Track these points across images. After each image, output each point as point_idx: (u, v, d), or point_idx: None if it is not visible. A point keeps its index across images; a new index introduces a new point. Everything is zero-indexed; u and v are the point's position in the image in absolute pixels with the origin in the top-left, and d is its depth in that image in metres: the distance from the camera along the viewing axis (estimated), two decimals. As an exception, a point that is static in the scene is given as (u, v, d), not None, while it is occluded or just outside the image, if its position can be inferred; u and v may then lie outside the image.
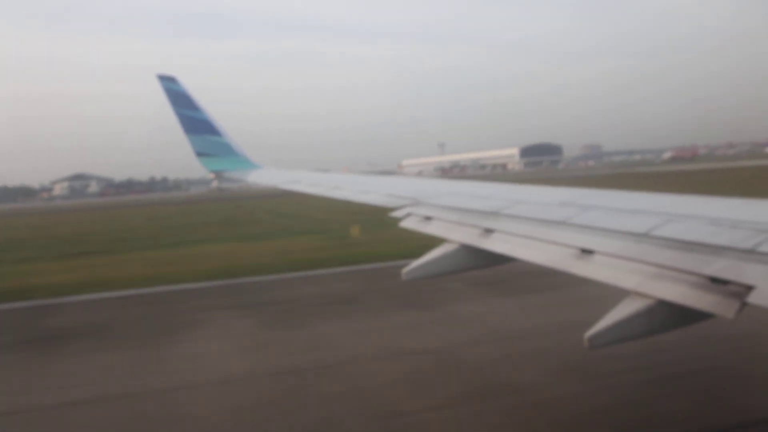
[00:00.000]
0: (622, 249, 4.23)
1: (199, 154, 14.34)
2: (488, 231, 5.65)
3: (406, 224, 7.05)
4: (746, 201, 4.73)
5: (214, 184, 16.87)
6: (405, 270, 5.78)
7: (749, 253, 3.47)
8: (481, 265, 5.80)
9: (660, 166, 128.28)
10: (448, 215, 6.62)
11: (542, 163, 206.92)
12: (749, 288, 3.21)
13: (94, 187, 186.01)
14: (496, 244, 5.40)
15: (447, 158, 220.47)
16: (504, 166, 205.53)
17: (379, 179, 11.40)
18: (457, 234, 5.97)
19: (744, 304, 3.19)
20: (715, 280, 3.43)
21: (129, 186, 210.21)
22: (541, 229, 5.19)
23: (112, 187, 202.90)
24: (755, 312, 3.29)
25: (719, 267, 3.49)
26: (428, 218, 6.77)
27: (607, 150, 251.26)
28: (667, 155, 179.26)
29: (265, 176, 13.79)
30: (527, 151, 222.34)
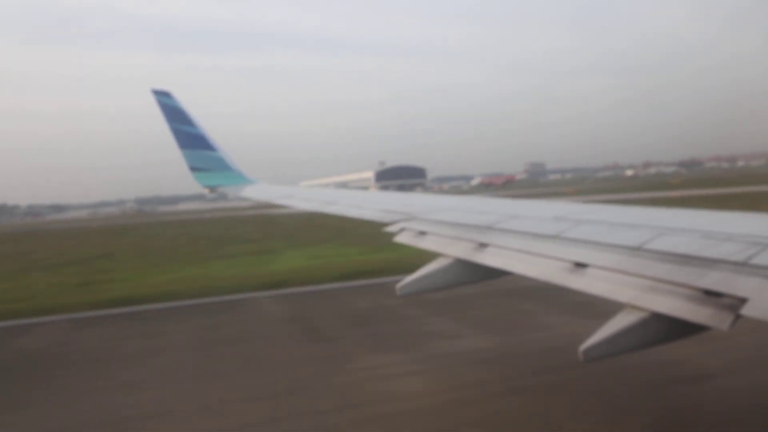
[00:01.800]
0: (616, 262, 4.24)
1: (193, 169, 14.33)
2: (482, 245, 5.66)
3: (400, 239, 7.05)
4: (738, 214, 4.76)
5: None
6: (399, 285, 5.77)
7: (742, 266, 3.48)
8: (475, 279, 5.79)
9: (466, 192, 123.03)
10: (442, 230, 6.62)
11: (404, 187, 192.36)
12: (743, 300, 3.21)
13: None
14: (490, 258, 5.41)
15: (318, 181, 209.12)
16: (367, 189, 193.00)
17: (372, 194, 11.43)
18: (451, 248, 5.97)
19: (738, 317, 3.20)
20: (709, 293, 3.44)
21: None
22: (535, 243, 5.20)
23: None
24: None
25: (713, 280, 3.50)
26: (422, 233, 6.78)
27: (552, 168, 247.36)
28: (475, 181, 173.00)
29: (259, 191, 13.79)
30: (383, 175, 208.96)
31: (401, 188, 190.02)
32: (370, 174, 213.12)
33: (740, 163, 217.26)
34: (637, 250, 4.26)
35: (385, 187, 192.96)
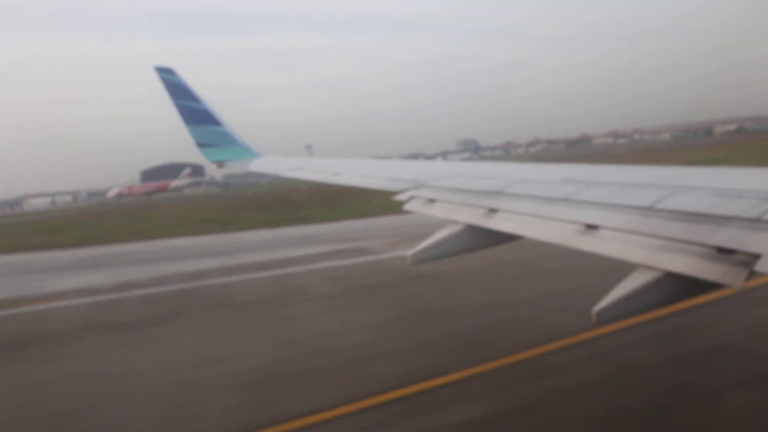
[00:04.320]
0: (627, 223, 4.24)
1: (200, 144, 14.33)
2: (492, 210, 5.67)
3: (410, 207, 7.08)
4: (751, 170, 4.72)
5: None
6: (411, 252, 5.82)
7: (755, 222, 3.47)
8: (487, 244, 5.84)
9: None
10: (451, 196, 6.64)
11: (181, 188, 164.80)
12: (756, 256, 3.22)
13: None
14: (501, 224, 5.43)
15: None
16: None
17: (380, 163, 11.40)
18: (461, 215, 5.99)
19: (752, 273, 3.20)
20: (722, 250, 3.45)
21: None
22: (546, 207, 5.21)
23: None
24: None
25: (725, 237, 3.50)
26: (432, 200, 6.79)
27: (486, 144, 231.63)
28: (112, 192, 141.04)
29: (267, 164, 13.81)
30: (149, 175, 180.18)
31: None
32: (134, 174, 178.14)
33: (644, 137, 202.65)
34: (648, 210, 4.25)
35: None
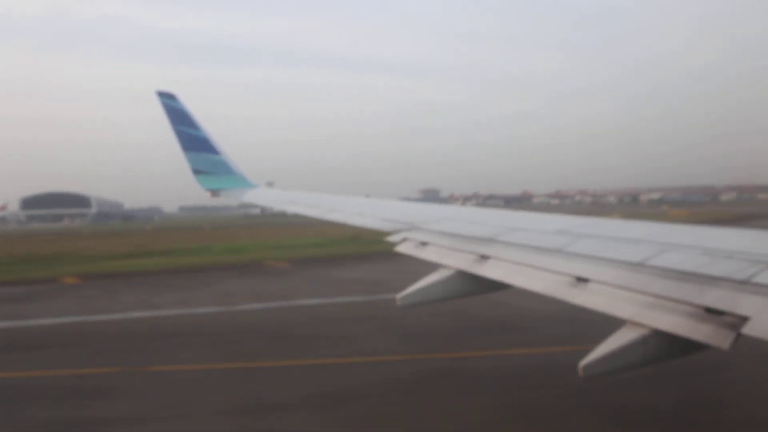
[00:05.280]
0: (617, 278, 4.24)
1: (196, 171, 14.32)
2: (483, 257, 5.66)
3: (402, 249, 7.06)
4: (741, 231, 4.76)
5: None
6: (400, 295, 5.76)
7: (744, 284, 3.48)
8: (476, 291, 5.79)
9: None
10: (443, 241, 6.62)
11: (63, 218, 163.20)
12: (744, 319, 3.21)
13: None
14: (491, 271, 5.41)
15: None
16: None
17: (375, 202, 11.42)
18: (452, 260, 5.97)
19: (739, 335, 3.19)
20: (711, 311, 3.44)
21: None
22: (537, 257, 5.20)
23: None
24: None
25: (714, 297, 3.50)
26: (424, 243, 6.78)
27: (443, 195, 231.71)
28: None
29: (261, 196, 13.78)
30: (31, 202, 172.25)
31: (57, 219, 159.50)
32: (14, 199, 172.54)
33: (585, 198, 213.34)
34: (639, 266, 4.26)
35: (31, 217, 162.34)
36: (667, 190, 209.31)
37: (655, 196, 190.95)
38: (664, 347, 3.68)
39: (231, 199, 14.73)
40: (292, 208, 11.50)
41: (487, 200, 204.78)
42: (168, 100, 14.03)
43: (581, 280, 4.46)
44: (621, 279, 4.19)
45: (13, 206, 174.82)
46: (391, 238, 7.44)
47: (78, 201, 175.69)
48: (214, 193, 14.82)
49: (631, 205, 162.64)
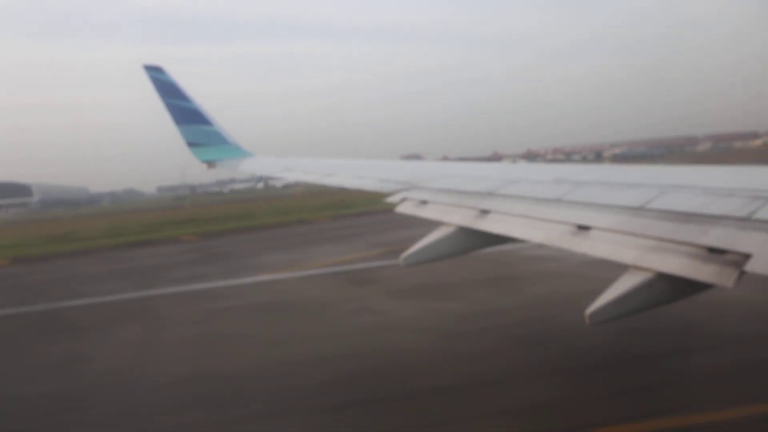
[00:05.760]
0: (618, 223, 4.24)
1: (191, 144, 14.18)
2: (484, 212, 5.65)
3: (401, 209, 7.02)
4: (740, 168, 4.73)
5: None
6: (403, 255, 5.78)
7: (745, 221, 3.47)
8: (479, 246, 5.80)
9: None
10: (443, 198, 6.60)
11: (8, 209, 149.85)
12: (747, 256, 3.22)
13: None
14: (492, 225, 5.40)
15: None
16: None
17: (373, 163, 11.33)
18: (453, 216, 5.96)
19: (743, 273, 3.20)
20: (713, 250, 3.44)
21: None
22: (537, 208, 5.20)
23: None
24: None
25: (716, 236, 3.49)
26: (423, 202, 6.75)
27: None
28: None
29: (258, 164, 13.70)
30: None
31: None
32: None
33: (558, 156, 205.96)
34: (639, 210, 4.25)
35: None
36: (632, 144, 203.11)
37: (618, 150, 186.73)
38: (669, 289, 3.70)
39: (228, 169, 14.62)
40: (289, 175, 11.43)
41: (458, 162, 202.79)
42: (156, 74, 13.77)
43: (582, 228, 4.46)
44: (622, 224, 4.19)
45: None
46: (391, 199, 7.39)
47: (15, 190, 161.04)
48: (211, 164, 14.72)
49: (595, 162, 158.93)
